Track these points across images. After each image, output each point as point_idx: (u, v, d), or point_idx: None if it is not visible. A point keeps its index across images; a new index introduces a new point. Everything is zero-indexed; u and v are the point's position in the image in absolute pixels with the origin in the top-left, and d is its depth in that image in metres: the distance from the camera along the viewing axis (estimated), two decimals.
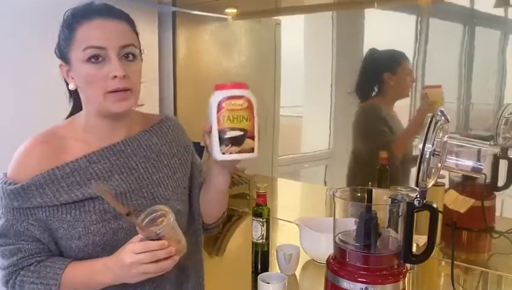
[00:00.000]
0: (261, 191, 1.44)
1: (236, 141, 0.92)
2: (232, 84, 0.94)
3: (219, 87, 0.94)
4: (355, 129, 2.03)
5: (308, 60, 2.47)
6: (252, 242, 1.45)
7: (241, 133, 0.92)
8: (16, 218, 0.95)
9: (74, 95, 1.03)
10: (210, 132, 0.94)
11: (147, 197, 1.01)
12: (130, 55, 0.94)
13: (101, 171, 0.98)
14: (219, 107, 0.92)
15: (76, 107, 1.04)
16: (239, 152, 0.92)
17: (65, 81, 1.01)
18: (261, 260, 1.45)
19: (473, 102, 1.82)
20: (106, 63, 0.92)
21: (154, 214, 0.92)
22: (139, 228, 0.89)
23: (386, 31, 1.97)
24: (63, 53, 0.96)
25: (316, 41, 2.42)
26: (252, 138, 0.93)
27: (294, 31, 2.40)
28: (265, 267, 1.45)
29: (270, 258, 1.47)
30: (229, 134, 0.92)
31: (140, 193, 1.00)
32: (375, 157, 1.82)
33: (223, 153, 0.92)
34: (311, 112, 2.50)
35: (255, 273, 1.43)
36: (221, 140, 0.92)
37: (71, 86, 0.97)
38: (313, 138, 2.46)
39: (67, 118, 1.05)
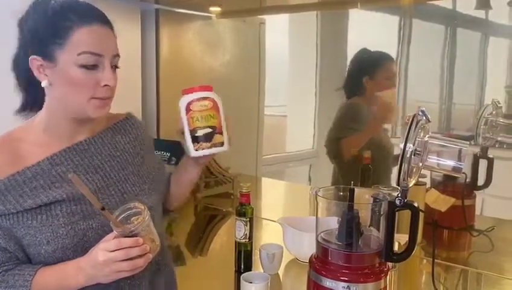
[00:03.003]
0: (244, 191, 1.43)
1: (206, 138, 1.03)
2: (197, 87, 1.04)
3: (186, 91, 1.05)
4: (335, 127, 2.06)
5: (292, 60, 2.48)
6: (235, 242, 1.45)
7: (210, 130, 1.03)
8: None
9: (27, 90, 0.99)
10: (183, 132, 1.03)
11: (115, 195, 1.00)
12: (116, 65, 0.95)
13: (64, 172, 0.95)
14: (187, 109, 1.03)
15: (30, 102, 1.00)
16: (210, 147, 1.03)
17: (17, 74, 0.97)
18: (244, 259, 1.45)
19: (454, 102, 1.85)
20: (99, 70, 0.92)
21: (129, 212, 0.91)
22: (114, 225, 0.87)
23: (369, 31, 1.99)
24: (44, 49, 0.91)
25: (300, 40, 2.43)
26: (221, 133, 1.04)
27: (278, 31, 2.41)
28: (249, 267, 1.45)
29: (253, 258, 1.46)
30: (200, 132, 1.02)
31: (108, 191, 0.99)
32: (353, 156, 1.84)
33: (197, 150, 1.03)
34: (295, 111, 2.51)
35: (238, 272, 1.42)
36: (193, 138, 1.03)
37: (44, 83, 0.93)
38: (297, 137, 2.47)
39: (18, 112, 1.01)
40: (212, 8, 2.18)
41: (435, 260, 1.21)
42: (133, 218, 0.90)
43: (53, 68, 0.92)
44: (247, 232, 1.43)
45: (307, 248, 1.09)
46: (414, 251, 0.97)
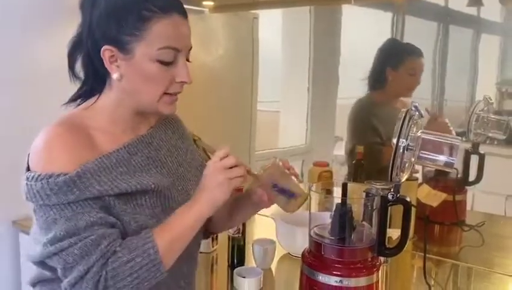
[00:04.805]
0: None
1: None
2: None
3: None
4: (348, 123, 1.99)
5: (285, 55, 2.47)
6: (228, 236, 1.45)
7: None
8: (77, 212, 0.81)
9: (90, 79, 0.92)
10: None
11: (182, 191, 0.96)
12: (188, 58, 0.90)
13: (140, 163, 0.91)
14: None
15: (88, 92, 0.94)
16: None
17: (72, 63, 0.91)
18: (237, 254, 1.45)
19: (446, 98, 1.86)
20: (174, 65, 0.87)
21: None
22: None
23: (363, 27, 1.99)
24: (119, 39, 0.84)
25: (293, 35, 2.43)
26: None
27: (272, 26, 2.41)
28: (241, 262, 1.45)
29: (246, 253, 1.47)
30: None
31: (175, 187, 0.96)
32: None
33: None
34: (288, 107, 2.51)
35: (231, 267, 1.42)
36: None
37: (116, 76, 0.86)
38: (290, 133, 2.47)
39: (72, 100, 0.94)
40: (205, 2, 2.17)
41: (427, 255, 1.22)
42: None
43: (127, 60, 0.85)
44: (240, 227, 1.43)
45: (300, 243, 1.09)
46: (406, 246, 0.97)
